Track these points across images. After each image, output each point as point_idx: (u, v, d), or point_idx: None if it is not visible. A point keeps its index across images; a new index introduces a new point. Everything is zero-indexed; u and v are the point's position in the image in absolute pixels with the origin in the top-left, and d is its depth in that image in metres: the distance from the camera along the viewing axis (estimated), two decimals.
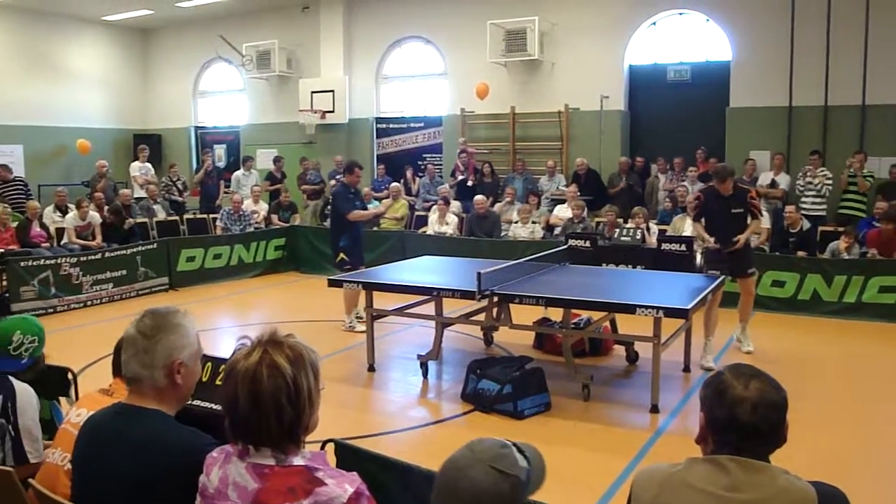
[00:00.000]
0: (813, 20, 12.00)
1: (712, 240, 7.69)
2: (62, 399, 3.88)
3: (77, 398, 3.72)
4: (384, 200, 8.88)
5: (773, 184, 11.83)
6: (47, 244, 11.38)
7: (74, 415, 2.81)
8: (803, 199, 11.43)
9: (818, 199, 11.42)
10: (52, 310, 9.95)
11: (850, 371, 7.55)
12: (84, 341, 8.49)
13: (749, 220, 7.65)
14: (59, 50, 17.45)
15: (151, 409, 2.29)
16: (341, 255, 9.00)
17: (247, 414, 1.93)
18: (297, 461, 1.97)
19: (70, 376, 3.89)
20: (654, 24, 13.74)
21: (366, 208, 9.62)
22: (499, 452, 1.81)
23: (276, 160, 15.80)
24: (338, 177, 14.91)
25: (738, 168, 12.17)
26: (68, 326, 9.38)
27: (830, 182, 11.35)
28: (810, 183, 11.41)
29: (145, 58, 19.48)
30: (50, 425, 3.51)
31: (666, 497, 2.00)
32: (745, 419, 1.96)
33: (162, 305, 2.43)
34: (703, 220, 7.88)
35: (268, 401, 1.93)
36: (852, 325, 9.31)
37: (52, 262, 10.14)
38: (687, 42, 13.64)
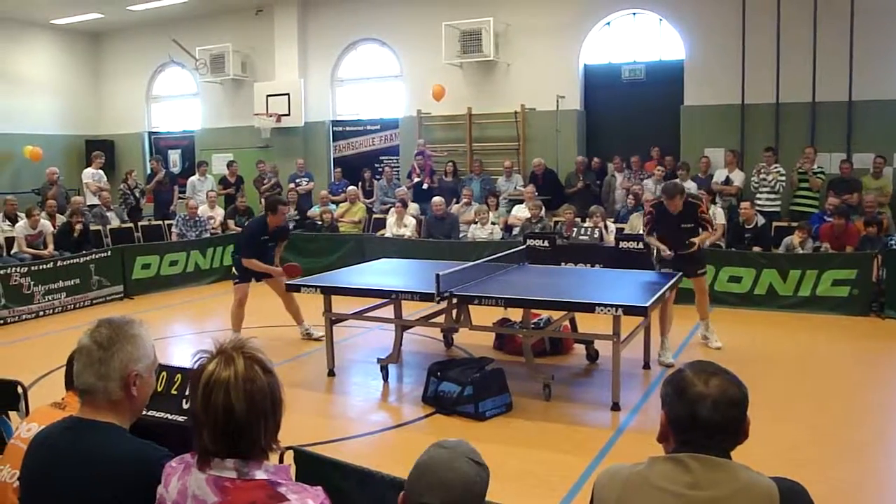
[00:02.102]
0: (763, 20, 12.16)
1: (667, 249, 7.72)
2: (12, 413, 3.78)
3: (28, 412, 3.62)
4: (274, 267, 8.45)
5: (728, 181, 11.97)
6: None
7: (25, 429, 2.73)
8: (758, 196, 11.58)
9: (772, 196, 11.58)
10: (2, 321, 9.73)
11: (806, 364, 7.66)
12: (36, 353, 8.31)
13: (701, 231, 7.71)
14: (5, 55, 17.04)
15: (104, 423, 2.22)
16: (234, 269, 8.82)
17: (243, 419, 1.88)
18: (260, 475, 1.91)
19: (20, 390, 3.78)
20: (608, 24, 13.83)
21: (269, 244, 8.68)
22: (469, 447, 1.94)
23: (230, 164, 15.62)
24: (287, 176, 14.85)
25: (694, 165, 12.34)
26: (19, 338, 9.17)
27: (784, 178, 11.52)
28: (764, 179, 11.57)
29: (97, 62, 19.14)
30: None
31: (628, 497, 1.99)
32: (705, 416, 1.96)
33: (117, 315, 2.36)
34: (654, 234, 7.92)
35: (263, 403, 1.91)
36: (808, 317, 9.46)
37: (2, 272, 9.90)
38: (641, 42, 13.75)
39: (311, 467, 3.11)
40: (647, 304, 6.12)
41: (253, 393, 1.90)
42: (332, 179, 15.45)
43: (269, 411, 1.93)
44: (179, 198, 15.20)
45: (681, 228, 7.66)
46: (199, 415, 1.92)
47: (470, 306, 6.64)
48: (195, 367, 1.96)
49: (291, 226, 12.08)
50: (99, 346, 2.22)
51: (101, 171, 14.82)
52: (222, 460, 1.91)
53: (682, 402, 1.99)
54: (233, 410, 1.88)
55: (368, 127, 16.09)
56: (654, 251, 8.00)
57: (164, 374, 3.11)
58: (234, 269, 8.84)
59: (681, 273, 7.61)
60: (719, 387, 1.98)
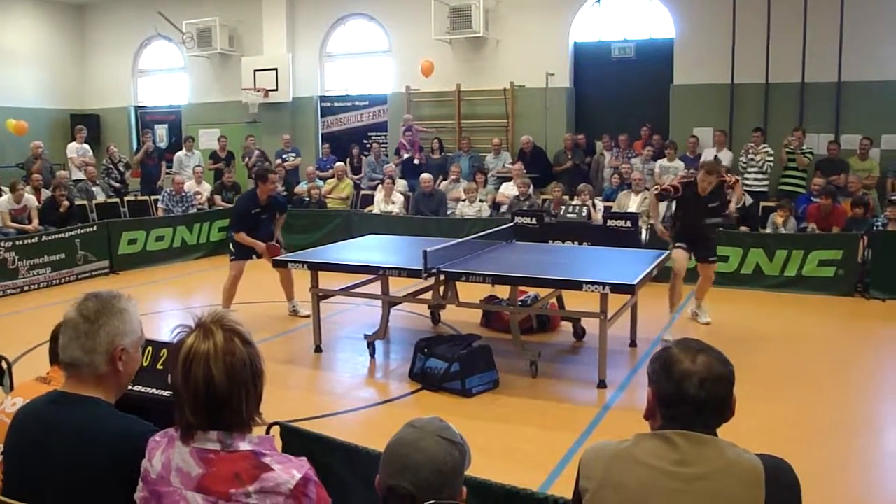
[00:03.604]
0: None
1: (661, 226, 7.81)
2: None
3: (12, 387, 3.60)
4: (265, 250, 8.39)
5: (716, 160, 11.95)
6: None
7: (9, 404, 2.72)
8: (746, 176, 11.59)
9: (760, 176, 11.61)
10: None
11: (792, 343, 7.69)
12: (20, 328, 8.27)
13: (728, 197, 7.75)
14: None
15: (89, 397, 2.21)
16: (231, 245, 8.67)
17: (224, 390, 1.89)
18: (244, 446, 1.93)
19: (4, 365, 3.77)
20: (599, 1, 13.76)
21: (262, 217, 8.55)
22: (441, 424, 1.91)
23: (220, 139, 15.54)
24: (274, 152, 14.76)
25: (682, 144, 12.34)
26: (4, 313, 9.12)
27: (772, 159, 11.55)
28: (752, 159, 11.60)
29: (82, 35, 18.88)
30: None
31: (614, 473, 2.00)
32: (692, 393, 1.96)
33: (104, 289, 2.35)
34: (674, 206, 7.93)
35: (243, 375, 1.92)
36: (793, 297, 9.50)
37: None
38: (631, 20, 13.70)
39: (298, 443, 3.12)
40: (634, 282, 6.13)
41: (233, 365, 1.90)
42: (320, 155, 15.38)
43: (250, 382, 1.94)
44: (166, 173, 15.10)
45: (708, 208, 7.64)
46: (180, 388, 1.92)
47: (457, 283, 6.64)
48: (175, 341, 1.96)
49: None
50: (85, 320, 2.21)
51: (86, 146, 14.70)
52: (205, 433, 1.92)
53: (669, 379, 2.00)
54: (213, 383, 1.88)
55: (357, 103, 16.00)
56: (646, 230, 7.99)
57: (149, 348, 3.09)
58: (230, 246, 8.69)
59: (667, 252, 7.64)
60: (706, 364, 1.99)
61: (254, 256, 8.56)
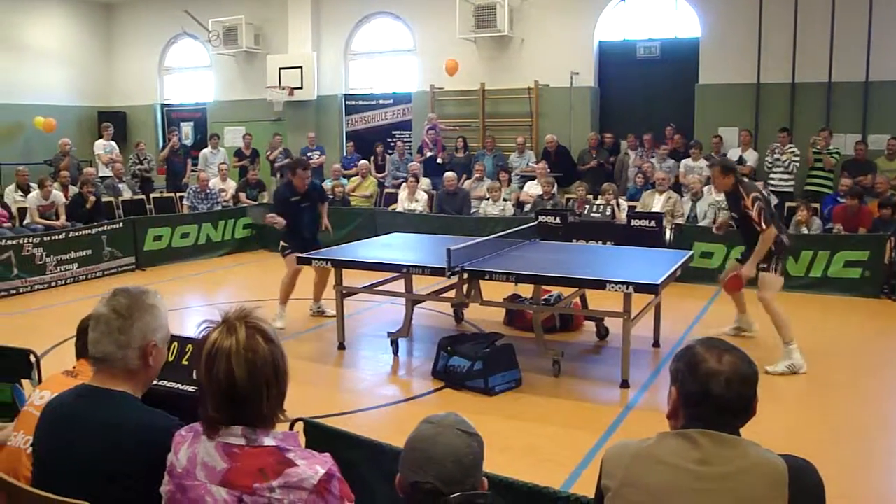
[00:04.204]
0: None
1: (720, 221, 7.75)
2: (25, 382, 3.81)
3: (40, 380, 3.65)
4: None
5: (741, 160, 11.87)
6: (9, 224, 11.18)
7: (38, 397, 2.76)
8: (771, 176, 11.51)
9: (786, 176, 11.51)
10: (14, 291, 9.78)
11: (816, 344, 7.60)
12: (48, 323, 8.36)
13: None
14: (18, 25, 16.98)
15: (117, 391, 2.24)
16: (281, 241, 8.55)
17: (245, 386, 1.91)
18: (268, 441, 1.94)
19: (32, 359, 3.81)
20: (624, 0, 13.71)
21: (303, 205, 8.42)
22: (457, 418, 1.93)
23: (245, 136, 15.65)
24: (307, 152, 14.83)
25: (707, 144, 12.26)
26: (32, 308, 9.23)
27: (798, 159, 11.44)
28: (778, 160, 11.50)
29: (109, 33, 19.06)
30: (11, 408, 3.44)
31: (636, 471, 2.00)
32: (718, 393, 1.96)
33: (132, 285, 2.39)
34: None
35: (264, 372, 1.93)
36: (818, 298, 9.40)
37: (14, 242, 9.92)
38: (656, 19, 13.63)
39: (321, 438, 3.13)
40: (657, 282, 6.10)
41: (254, 362, 1.92)
42: (344, 153, 15.44)
43: (272, 380, 1.95)
44: (192, 170, 15.22)
45: (732, 216, 7.16)
46: (204, 383, 1.95)
47: (481, 282, 6.64)
48: (200, 336, 1.99)
49: None
50: (118, 315, 2.24)
51: (112, 143, 14.86)
52: (229, 428, 1.93)
53: (695, 379, 1.99)
54: (234, 379, 1.90)
55: (381, 101, 16.03)
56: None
57: (174, 344, 3.13)
58: (281, 241, 8.56)
59: (691, 252, 7.58)
60: (732, 364, 1.99)
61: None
